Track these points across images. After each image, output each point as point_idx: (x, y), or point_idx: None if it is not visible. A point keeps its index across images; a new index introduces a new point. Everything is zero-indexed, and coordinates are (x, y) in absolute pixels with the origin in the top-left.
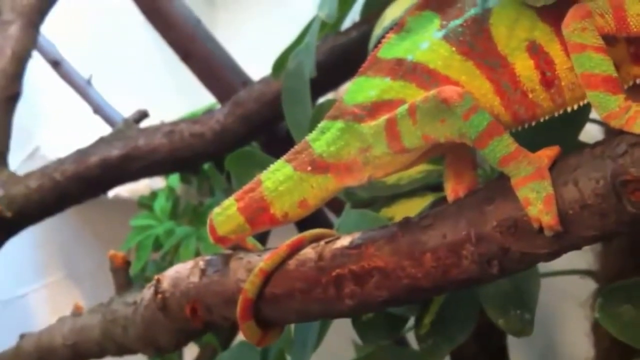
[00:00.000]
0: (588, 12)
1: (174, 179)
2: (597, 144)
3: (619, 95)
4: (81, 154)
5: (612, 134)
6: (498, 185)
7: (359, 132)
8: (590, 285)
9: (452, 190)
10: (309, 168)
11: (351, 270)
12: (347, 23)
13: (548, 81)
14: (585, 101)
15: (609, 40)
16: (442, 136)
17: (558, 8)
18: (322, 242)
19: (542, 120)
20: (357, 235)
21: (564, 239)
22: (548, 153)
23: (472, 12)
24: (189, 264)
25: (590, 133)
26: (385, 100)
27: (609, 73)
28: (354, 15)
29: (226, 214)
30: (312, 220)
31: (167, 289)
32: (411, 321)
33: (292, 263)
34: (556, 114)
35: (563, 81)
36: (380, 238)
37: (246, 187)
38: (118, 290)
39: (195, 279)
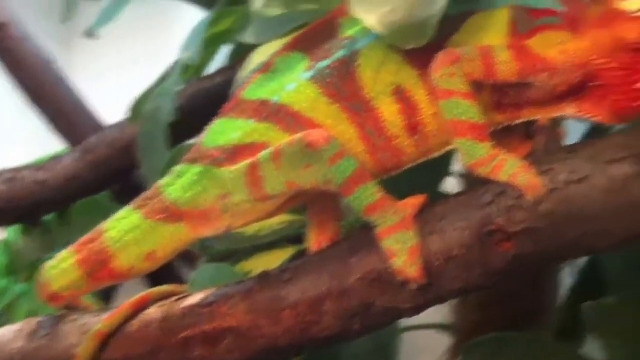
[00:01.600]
0: (457, 57)
1: (15, 230)
2: (463, 192)
3: (486, 143)
4: None
5: (474, 186)
6: (363, 236)
7: (219, 177)
8: (446, 339)
9: (315, 241)
10: (161, 216)
11: (202, 332)
12: (213, 68)
13: (413, 127)
14: (450, 148)
15: (475, 87)
16: (307, 182)
17: (426, 52)
18: (170, 300)
19: (409, 172)
20: (211, 291)
21: (429, 292)
22: (414, 202)
23: (340, 53)
24: (17, 326)
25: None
26: (247, 144)
27: (476, 120)
28: (221, 60)
29: (61, 267)
30: (162, 274)
31: None
32: None
33: (135, 324)
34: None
35: (428, 127)
36: (235, 294)
37: (86, 237)
38: None
39: (21, 343)
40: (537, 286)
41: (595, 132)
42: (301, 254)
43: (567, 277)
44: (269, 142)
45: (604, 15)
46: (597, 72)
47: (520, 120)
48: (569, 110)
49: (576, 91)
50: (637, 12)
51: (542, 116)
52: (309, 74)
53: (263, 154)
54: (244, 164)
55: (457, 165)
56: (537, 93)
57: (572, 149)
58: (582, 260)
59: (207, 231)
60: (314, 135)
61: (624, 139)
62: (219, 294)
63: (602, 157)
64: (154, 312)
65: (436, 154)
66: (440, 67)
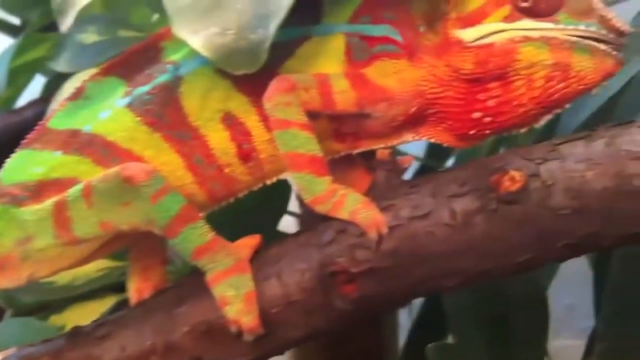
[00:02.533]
0: (292, 85)
1: None
2: (302, 231)
3: (326, 178)
4: None
5: (313, 224)
6: (191, 283)
7: (18, 218)
8: None
9: (137, 290)
10: None
11: None
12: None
13: (245, 154)
14: (286, 175)
15: (311, 114)
16: (125, 223)
17: (257, 78)
18: None
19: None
20: (12, 352)
21: (267, 343)
22: (248, 243)
23: (161, 78)
24: None
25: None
26: (53, 179)
27: (314, 153)
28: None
29: None
30: None
31: None
32: None
33: None
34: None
35: (261, 154)
36: (41, 355)
37: None
38: None
39: None
40: (377, 325)
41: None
42: (122, 305)
43: (405, 315)
44: (79, 177)
45: (440, 44)
46: (434, 100)
47: (360, 150)
48: (408, 137)
49: (414, 118)
50: (473, 42)
51: (382, 145)
52: (126, 101)
53: (72, 190)
54: (49, 202)
55: (295, 202)
56: (376, 123)
57: (414, 183)
58: (419, 299)
59: (4, 282)
60: (132, 168)
61: (464, 172)
62: (22, 355)
63: (444, 191)
64: None
65: (273, 179)
66: (275, 95)
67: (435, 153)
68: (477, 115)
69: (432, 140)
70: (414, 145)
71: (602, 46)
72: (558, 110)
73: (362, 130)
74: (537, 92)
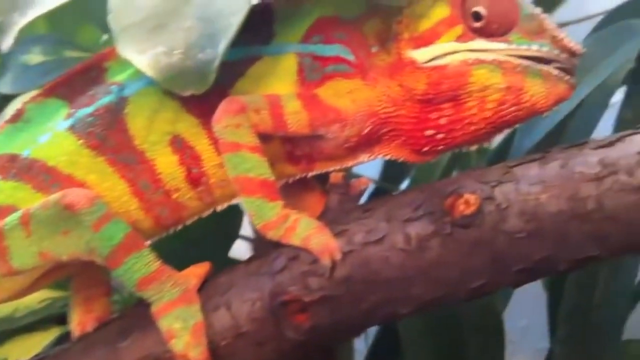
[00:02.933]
0: (242, 107)
1: None
2: (254, 258)
3: (277, 202)
4: None
5: (265, 250)
6: (136, 314)
7: None
8: None
9: (79, 322)
10: None
11: None
12: None
13: (195, 179)
14: (237, 200)
15: (263, 137)
16: (66, 252)
17: (207, 99)
18: None
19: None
20: None
21: None
22: (197, 271)
23: (105, 100)
24: None
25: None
26: None
27: (265, 177)
28: None
29: None
30: None
31: None
32: None
33: None
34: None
35: (212, 178)
36: None
37: None
38: None
39: None
40: (331, 352)
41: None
42: (65, 338)
43: (361, 341)
44: (17, 204)
45: (393, 64)
46: (387, 119)
47: (315, 172)
48: (363, 157)
49: (369, 138)
50: (426, 62)
51: (337, 166)
52: (68, 123)
53: (9, 219)
54: None
55: (248, 228)
56: (330, 144)
57: (368, 207)
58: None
59: None
60: (74, 194)
61: (418, 195)
62: None
63: (399, 215)
64: None
65: (224, 205)
66: (224, 116)
67: (390, 176)
68: (429, 132)
69: (387, 158)
70: (368, 168)
71: (555, 71)
72: (509, 129)
73: (316, 152)
74: (489, 112)
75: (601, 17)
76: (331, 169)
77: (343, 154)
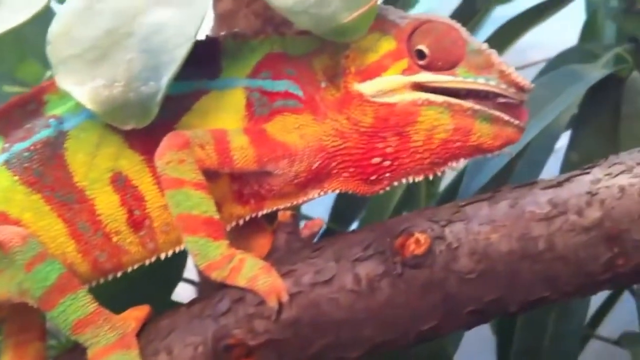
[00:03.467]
0: (186, 141)
1: None
2: (197, 300)
3: (222, 242)
4: None
5: (208, 292)
6: None
7: None
8: None
9: None
10: None
11: None
12: None
13: (137, 222)
14: (182, 247)
15: (210, 175)
16: None
17: (150, 134)
18: None
19: (133, 277)
20: None
21: None
22: (136, 314)
23: (43, 134)
24: None
25: (185, 294)
26: None
27: (210, 215)
28: None
29: None
30: None
31: None
32: None
33: None
34: (147, 262)
35: (155, 222)
36: None
37: None
38: None
39: None
40: None
41: None
42: None
43: None
44: None
45: (342, 98)
46: (335, 152)
47: (265, 211)
48: (314, 193)
49: (318, 174)
50: (374, 95)
51: (287, 204)
52: (3, 158)
53: None
54: None
55: (193, 270)
56: (279, 180)
57: (317, 246)
58: None
59: None
60: (6, 232)
61: (368, 234)
62: None
63: (348, 255)
64: None
65: (168, 252)
66: (167, 151)
67: (339, 216)
68: (376, 160)
69: (337, 191)
70: (318, 209)
71: (505, 116)
72: (456, 164)
73: (265, 189)
74: (435, 146)
75: (543, 64)
76: (281, 206)
77: (293, 191)
